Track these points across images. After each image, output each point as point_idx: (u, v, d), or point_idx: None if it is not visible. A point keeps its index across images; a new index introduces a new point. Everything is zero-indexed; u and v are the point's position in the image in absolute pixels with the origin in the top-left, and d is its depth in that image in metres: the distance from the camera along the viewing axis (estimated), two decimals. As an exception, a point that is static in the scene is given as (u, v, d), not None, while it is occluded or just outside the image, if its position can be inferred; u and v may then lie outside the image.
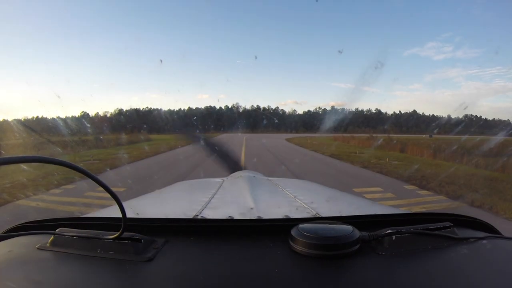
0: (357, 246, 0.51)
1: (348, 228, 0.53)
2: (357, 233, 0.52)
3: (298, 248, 0.50)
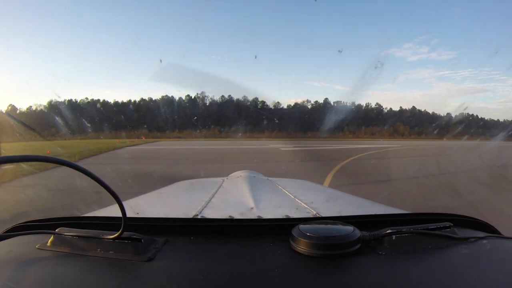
0: (358, 246, 0.51)
1: (349, 228, 0.53)
2: (358, 233, 0.52)
3: (299, 248, 0.51)
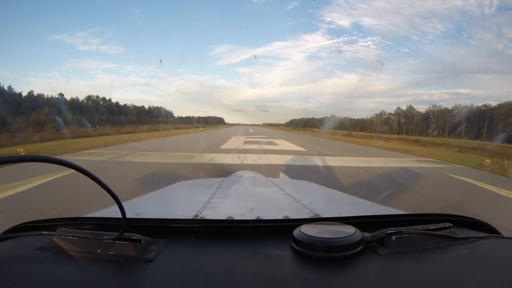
0: (360, 248, 0.51)
1: (351, 229, 0.53)
2: (360, 235, 0.52)
3: (301, 249, 0.50)
